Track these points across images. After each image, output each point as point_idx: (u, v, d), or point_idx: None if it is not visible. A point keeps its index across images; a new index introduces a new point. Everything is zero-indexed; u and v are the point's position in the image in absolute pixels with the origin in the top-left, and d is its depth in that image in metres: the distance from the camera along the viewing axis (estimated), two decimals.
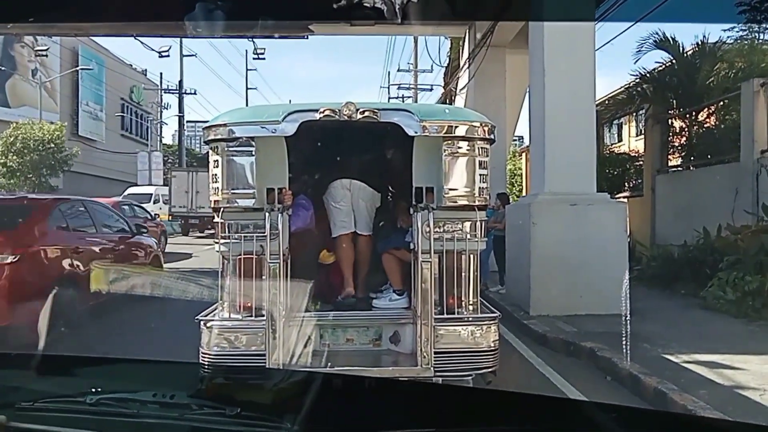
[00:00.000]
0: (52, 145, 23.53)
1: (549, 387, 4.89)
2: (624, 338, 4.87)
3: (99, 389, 1.33)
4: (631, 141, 18.87)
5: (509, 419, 1.34)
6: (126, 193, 23.47)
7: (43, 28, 14.99)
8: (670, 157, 11.96)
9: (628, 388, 4.80)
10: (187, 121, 41.59)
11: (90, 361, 1.76)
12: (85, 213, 7.53)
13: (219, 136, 3.93)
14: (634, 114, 15.16)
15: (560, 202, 7.44)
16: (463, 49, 14.46)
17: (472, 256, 3.99)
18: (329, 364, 3.84)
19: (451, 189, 3.90)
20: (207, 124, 4.13)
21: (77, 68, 29.67)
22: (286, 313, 3.78)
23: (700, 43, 11.49)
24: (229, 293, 4.00)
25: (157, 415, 1.27)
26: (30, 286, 5.77)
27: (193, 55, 35.08)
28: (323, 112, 3.76)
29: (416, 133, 3.82)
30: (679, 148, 11.79)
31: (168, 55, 29.31)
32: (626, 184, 13.75)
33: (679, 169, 11.84)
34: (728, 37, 11.53)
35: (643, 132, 13.85)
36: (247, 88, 40.81)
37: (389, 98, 31.04)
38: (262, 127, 3.85)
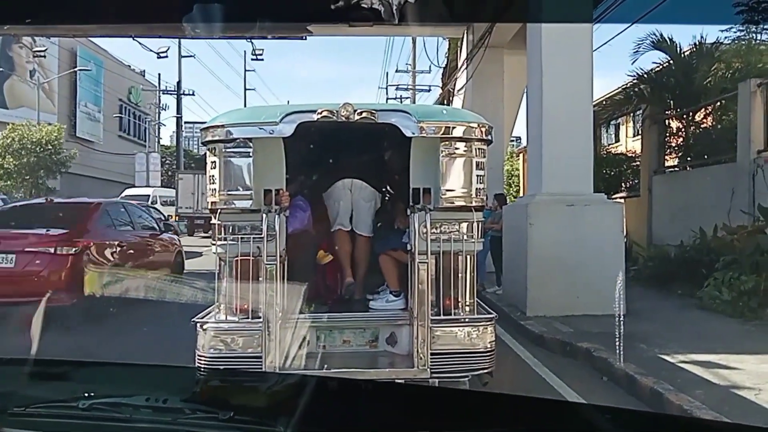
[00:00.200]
0: (50, 147, 23.49)
1: (545, 388, 4.89)
2: (620, 338, 4.87)
3: (92, 394, 1.33)
4: (628, 141, 18.91)
5: (505, 422, 1.34)
6: (123, 194, 23.42)
7: (41, 29, 14.97)
8: (667, 157, 11.97)
9: (625, 389, 4.80)
10: (186, 122, 41.58)
11: (83, 366, 1.75)
12: (125, 213, 8.81)
13: (217, 138, 3.92)
14: (632, 114, 15.19)
15: (557, 203, 7.44)
16: (461, 50, 14.48)
17: (468, 257, 3.99)
18: (326, 365, 3.83)
19: (448, 190, 3.90)
20: (205, 126, 4.12)
21: (75, 69, 29.63)
22: (283, 314, 3.77)
23: (697, 43, 11.51)
24: (225, 295, 3.99)
25: (150, 419, 1.27)
26: (85, 272, 6.97)
27: (191, 56, 35.14)
28: (321, 113, 3.76)
29: (413, 133, 3.81)
30: (676, 148, 11.81)
31: (166, 56, 29.37)
32: (623, 184, 13.77)
33: (676, 169, 11.86)
34: (725, 37, 11.55)
35: (640, 132, 13.88)
36: (245, 89, 40.90)
37: (387, 99, 31.06)
38: (260, 129, 3.84)
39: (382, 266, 4.44)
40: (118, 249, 7.86)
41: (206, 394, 1.53)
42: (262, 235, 3.78)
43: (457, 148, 3.90)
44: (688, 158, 11.45)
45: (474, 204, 3.95)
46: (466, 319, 3.90)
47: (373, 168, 4.69)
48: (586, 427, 1.35)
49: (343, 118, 3.76)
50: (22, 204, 9.21)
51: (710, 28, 11.57)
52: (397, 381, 3.67)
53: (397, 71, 31.47)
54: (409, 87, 28.34)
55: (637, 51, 11.76)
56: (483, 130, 3.94)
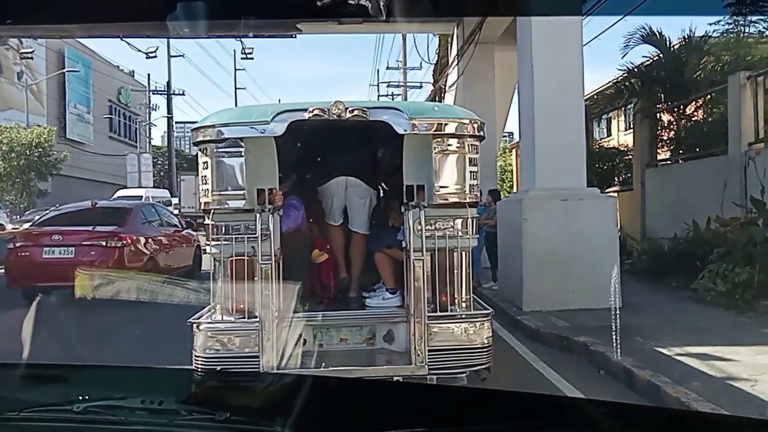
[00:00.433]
0: (40, 149, 23.31)
1: (543, 382, 4.91)
2: (616, 332, 4.89)
3: (86, 397, 1.31)
4: (620, 135, 18.97)
5: (503, 418, 1.33)
6: (115, 196, 23.31)
7: (25, 30, 14.82)
8: (658, 150, 12.01)
9: (622, 382, 4.82)
10: (176, 122, 41.42)
11: (77, 369, 1.73)
12: (155, 212, 10.58)
13: (208, 138, 3.90)
14: (623, 108, 15.21)
15: (551, 198, 7.46)
16: (451, 47, 14.47)
17: (464, 253, 3.99)
18: (323, 364, 3.82)
19: (441, 186, 3.89)
20: (195, 126, 4.10)
21: (64, 70, 29.40)
22: (279, 314, 3.76)
23: (686, 37, 11.53)
24: (221, 295, 3.97)
25: (146, 421, 1.26)
26: (128, 264, 8.49)
27: (180, 56, 35.06)
28: (312, 112, 3.74)
29: (406, 131, 3.80)
30: (668, 141, 11.84)
31: (155, 56, 29.24)
32: (616, 178, 13.80)
33: (668, 162, 11.90)
34: (714, 30, 11.59)
35: (631, 126, 13.91)
36: (236, 88, 40.79)
37: (378, 96, 31.05)
38: (251, 128, 3.83)
39: (378, 264, 4.43)
40: (152, 242, 9.41)
41: (202, 395, 1.51)
42: (257, 235, 3.76)
43: (449, 145, 3.89)
44: (680, 151, 11.49)
45: (468, 200, 3.95)
46: (463, 316, 3.90)
47: (367, 166, 4.68)
48: (585, 421, 1.34)
49: (335, 117, 3.75)
50: (71, 207, 10.63)
51: (699, 22, 11.62)
52: (395, 378, 3.66)
53: (387, 68, 31.49)
54: (401, 84, 28.32)
55: (627, 45, 11.80)
56: (475, 126, 3.94)
